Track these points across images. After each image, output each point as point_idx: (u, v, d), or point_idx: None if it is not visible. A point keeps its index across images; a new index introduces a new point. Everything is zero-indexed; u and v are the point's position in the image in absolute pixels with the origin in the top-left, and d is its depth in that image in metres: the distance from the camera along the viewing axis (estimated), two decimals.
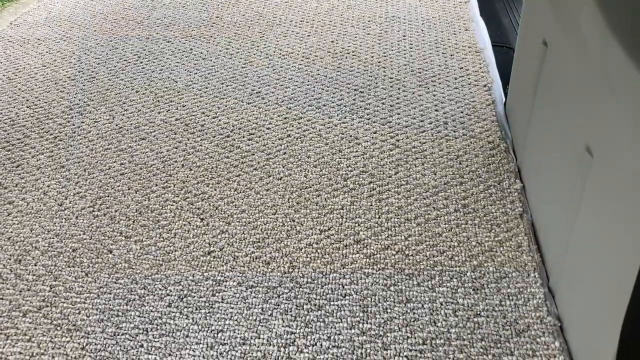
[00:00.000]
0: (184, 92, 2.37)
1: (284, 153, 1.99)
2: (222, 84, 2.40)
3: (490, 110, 2.12)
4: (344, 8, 2.95)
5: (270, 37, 2.74)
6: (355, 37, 2.69)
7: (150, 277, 1.58)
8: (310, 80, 2.39)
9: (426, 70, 2.40)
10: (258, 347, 1.38)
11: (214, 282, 1.55)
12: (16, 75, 2.59)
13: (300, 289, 1.51)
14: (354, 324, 1.41)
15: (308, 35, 2.73)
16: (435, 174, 1.85)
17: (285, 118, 2.17)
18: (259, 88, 2.36)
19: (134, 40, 2.81)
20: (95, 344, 1.43)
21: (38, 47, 2.82)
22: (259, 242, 1.66)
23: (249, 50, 2.65)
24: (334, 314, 1.44)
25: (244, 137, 2.08)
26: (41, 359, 1.41)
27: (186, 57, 2.64)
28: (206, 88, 2.39)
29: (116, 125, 2.18)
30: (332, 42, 2.66)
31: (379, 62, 2.49)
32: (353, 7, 2.95)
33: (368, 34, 2.72)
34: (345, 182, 1.85)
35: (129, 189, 1.88)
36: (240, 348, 1.38)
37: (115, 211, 1.80)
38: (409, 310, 1.42)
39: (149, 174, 1.94)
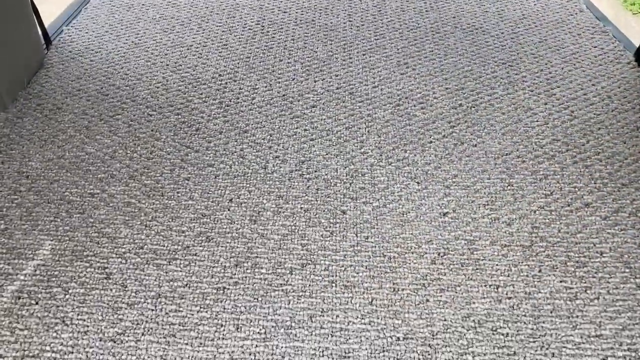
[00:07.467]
0: (328, 61, 2.35)
1: (465, 121, 1.99)
2: (364, 54, 2.38)
3: None
4: None
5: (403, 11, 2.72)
6: (476, 14, 2.69)
7: (399, 236, 1.58)
8: (451, 53, 2.39)
9: (563, 48, 2.42)
10: None
11: (466, 242, 1.56)
12: (140, 41, 2.52)
13: (553, 248, 1.56)
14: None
15: (426, 11, 2.73)
16: (625, 143, 1.90)
17: (446, 88, 2.16)
18: (405, 60, 2.34)
19: (248, 10, 2.76)
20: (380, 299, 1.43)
21: (147, 12, 2.73)
22: (489, 204, 1.67)
23: (387, 23, 2.64)
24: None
25: (415, 106, 2.07)
26: (332, 314, 1.39)
27: (316, 27, 2.62)
28: (350, 58, 2.36)
29: (277, 92, 2.15)
30: (454, 17, 2.66)
31: (512, 38, 2.49)
32: None
33: (486, 11, 2.70)
34: (543, 150, 1.86)
35: (326, 154, 1.86)
36: None
37: (326, 174, 1.78)
38: None
39: (339, 139, 1.92)
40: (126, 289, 1.42)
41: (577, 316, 1.37)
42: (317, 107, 2.07)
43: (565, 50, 2.40)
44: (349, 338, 1.32)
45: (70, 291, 1.42)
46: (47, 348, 1.29)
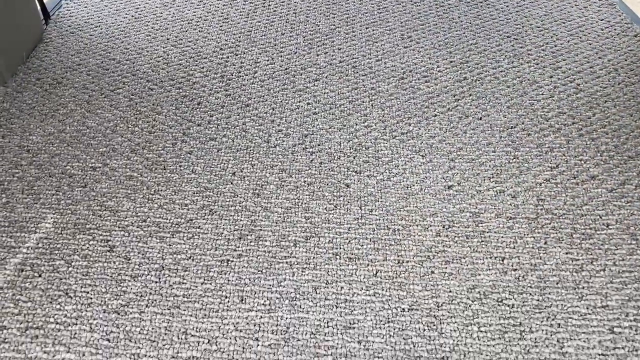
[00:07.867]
0: (330, 34, 2.33)
1: (470, 95, 1.97)
2: (367, 28, 2.36)
3: None
4: None
5: None
6: None
7: (404, 209, 1.57)
8: (455, 26, 2.37)
9: (569, 21, 2.40)
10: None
11: (471, 214, 1.55)
12: (140, 15, 2.48)
13: (559, 220, 1.55)
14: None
15: None
16: (631, 116, 1.87)
17: (451, 61, 2.14)
18: (409, 33, 2.33)
19: None
20: (385, 271, 1.43)
21: None
22: (494, 177, 1.66)
23: None
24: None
25: (419, 79, 2.05)
26: (337, 286, 1.39)
27: (319, 1, 2.59)
28: (353, 32, 2.35)
29: (279, 66, 2.13)
30: None
31: (517, 11, 2.46)
32: None
33: None
34: (549, 123, 1.85)
35: (330, 127, 1.85)
36: None
37: (329, 148, 1.77)
38: None
39: (342, 113, 1.90)
40: (129, 261, 1.41)
41: (583, 287, 1.36)
42: (320, 80, 2.05)
43: (571, 23, 2.37)
44: (354, 309, 1.31)
45: (73, 264, 1.41)
46: (51, 320, 1.28)
